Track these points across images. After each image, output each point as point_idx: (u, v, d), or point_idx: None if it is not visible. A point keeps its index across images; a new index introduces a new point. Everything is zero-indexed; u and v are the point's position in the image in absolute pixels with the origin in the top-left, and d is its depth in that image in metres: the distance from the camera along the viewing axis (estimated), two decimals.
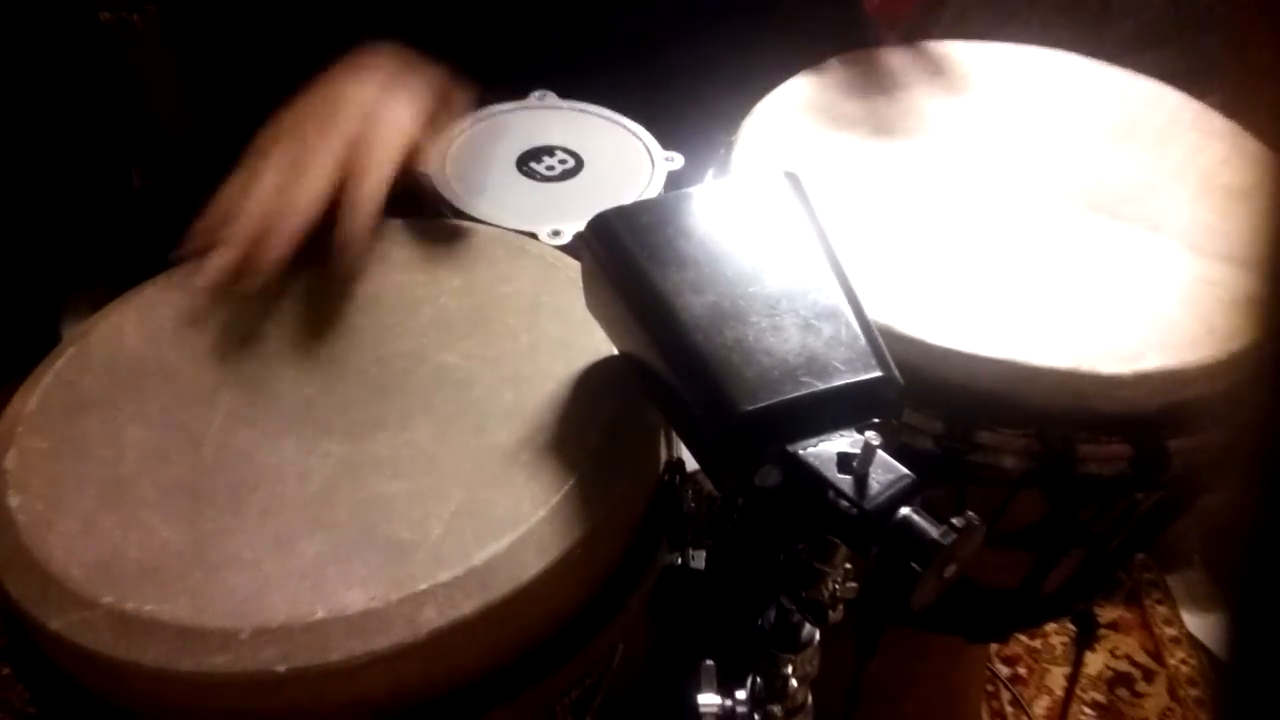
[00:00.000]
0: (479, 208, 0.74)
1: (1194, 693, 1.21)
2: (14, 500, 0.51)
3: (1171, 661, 1.24)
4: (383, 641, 0.45)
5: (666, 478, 0.58)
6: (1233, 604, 0.26)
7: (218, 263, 0.60)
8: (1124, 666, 1.24)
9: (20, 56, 1.23)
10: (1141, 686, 1.22)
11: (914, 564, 0.41)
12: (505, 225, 0.71)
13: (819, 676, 0.52)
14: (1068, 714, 1.17)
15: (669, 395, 0.50)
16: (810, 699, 0.52)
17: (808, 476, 0.43)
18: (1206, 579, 1.30)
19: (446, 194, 0.75)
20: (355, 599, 0.46)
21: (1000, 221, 0.66)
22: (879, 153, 0.71)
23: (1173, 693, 1.21)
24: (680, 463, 0.59)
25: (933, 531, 0.41)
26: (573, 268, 0.59)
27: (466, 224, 0.72)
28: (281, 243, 0.61)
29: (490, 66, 0.85)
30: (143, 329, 0.61)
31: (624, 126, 0.85)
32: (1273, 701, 0.25)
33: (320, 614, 0.46)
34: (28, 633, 0.49)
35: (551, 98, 0.87)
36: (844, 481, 0.42)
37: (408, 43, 0.71)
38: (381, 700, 0.47)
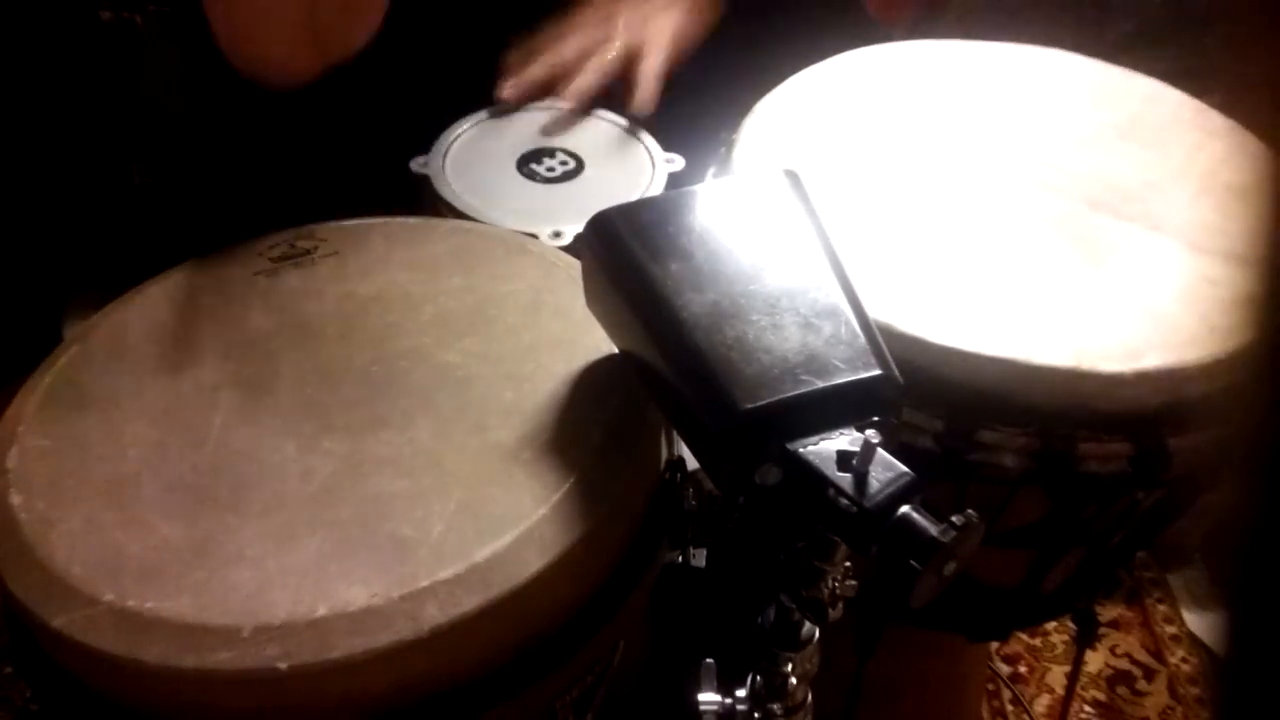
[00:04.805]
0: (479, 209, 0.74)
1: (1194, 691, 1.21)
2: (16, 499, 0.51)
3: (1172, 660, 1.24)
4: (384, 639, 0.45)
5: (667, 476, 0.58)
6: (1231, 602, 0.26)
7: (527, 79, 0.84)
8: (1124, 665, 1.24)
9: (20, 55, 1.23)
10: (1142, 685, 1.22)
11: (913, 562, 0.41)
12: (506, 227, 0.71)
13: (819, 675, 0.52)
14: (1068, 712, 1.17)
15: (669, 394, 0.50)
16: (810, 697, 0.52)
17: (807, 474, 0.43)
18: (1207, 578, 1.30)
19: (446, 195, 0.76)
20: (357, 596, 0.46)
21: (1001, 220, 0.66)
22: (880, 151, 0.71)
23: (1173, 691, 1.21)
24: (681, 461, 0.59)
25: (932, 529, 0.41)
26: (573, 266, 0.60)
27: (466, 223, 0.72)
28: (580, 87, 0.84)
29: (493, 69, 0.85)
30: (144, 328, 0.61)
31: (624, 128, 0.85)
32: (1271, 700, 0.25)
33: (322, 611, 0.46)
34: (30, 631, 0.49)
35: (552, 99, 0.87)
36: (844, 479, 0.42)
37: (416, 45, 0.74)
38: (383, 697, 0.47)
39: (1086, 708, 1.20)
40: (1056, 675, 1.22)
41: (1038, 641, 1.25)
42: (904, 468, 0.42)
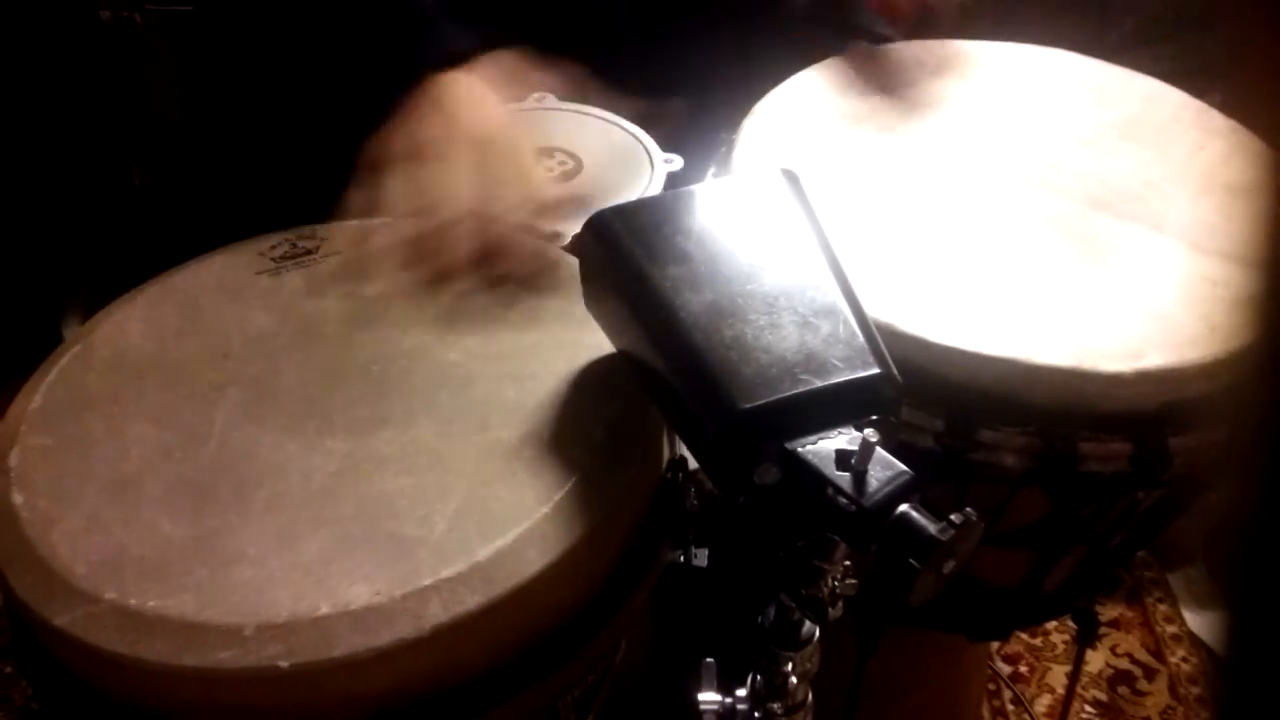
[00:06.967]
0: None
1: (1195, 691, 1.21)
2: (18, 497, 0.51)
3: (1173, 659, 1.24)
4: (386, 637, 0.45)
5: (669, 475, 0.58)
6: (1231, 602, 0.26)
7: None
8: (1125, 664, 1.24)
9: (21, 56, 1.23)
10: (1143, 684, 1.22)
11: (912, 560, 0.41)
12: None
13: (821, 675, 0.52)
14: (1069, 712, 1.17)
15: (668, 394, 0.50)
16: (810, 696, 0.52)
17: (806, 474, 0.43)
18: (1207, 577, 1.30)
19: None
20: (359, 594, 0.46)
21: (1002, 220, 0.66)
22: (880, 151, 0.72)
23: (1174, 691, 1.21)
24: (683, 460, 0.59)
25: (931, 528, 0.41)
26: (575, 266, 0.60)
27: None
28: None
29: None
30: (146, 327, 0.61)
31: (623, 128, 0.85)
32: (1271, 700, 0.25)
33: (324, 609, 0.46)
34: (31, 629, 0.49)
35: (550, 99, 0.87)
36: (842, 479, 0.42)
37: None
38: (385, 696, 0.47)
39: (1087, 707, 1.20)
40: (1057, 675, 1.22)
41: (1038, 641, 1.26)
42: (903, 466, 0.42)
